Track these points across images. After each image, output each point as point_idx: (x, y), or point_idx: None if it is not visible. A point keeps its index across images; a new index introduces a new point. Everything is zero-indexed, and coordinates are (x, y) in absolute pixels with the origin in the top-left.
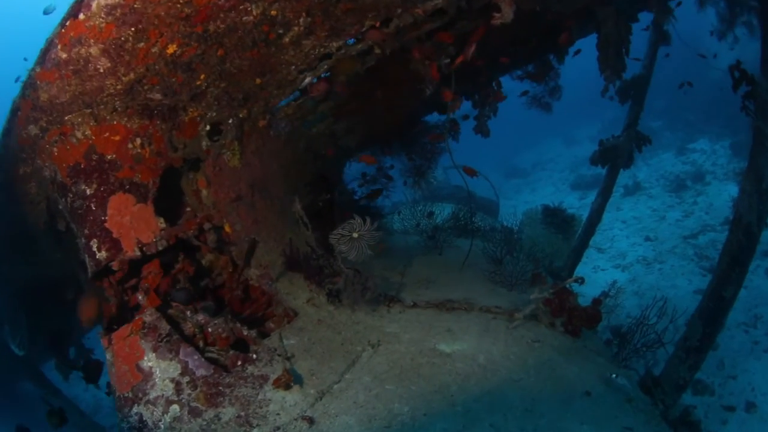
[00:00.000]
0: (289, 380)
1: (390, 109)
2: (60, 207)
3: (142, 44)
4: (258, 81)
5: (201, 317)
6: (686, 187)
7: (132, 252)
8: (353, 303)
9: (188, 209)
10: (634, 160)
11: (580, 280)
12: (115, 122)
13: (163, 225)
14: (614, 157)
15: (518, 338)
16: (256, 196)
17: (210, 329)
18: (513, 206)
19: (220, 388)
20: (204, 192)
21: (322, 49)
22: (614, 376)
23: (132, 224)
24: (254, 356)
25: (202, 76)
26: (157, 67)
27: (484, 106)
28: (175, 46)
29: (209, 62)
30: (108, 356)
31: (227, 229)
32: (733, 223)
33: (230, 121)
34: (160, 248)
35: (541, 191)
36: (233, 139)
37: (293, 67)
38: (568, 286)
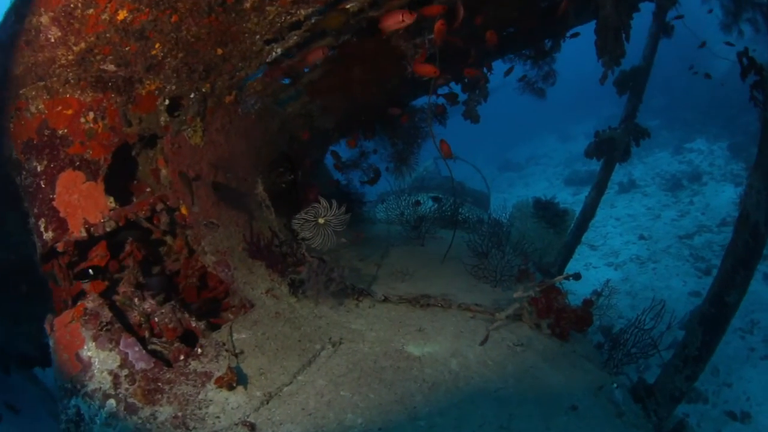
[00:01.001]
0: (233, 379)
1: (369, 87)
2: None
3: (91, 11)
4: (219, 51)
5: (148, 305)
6: (682, 187)
7: (78, 233)
8: (317, 295)
9: (148, 190)
10: (631, 154)
11: (575, 277)
12: (68, 95)
13: (113, 205)
14: (610, 149)
15: (498, 341)
16: (220, 176)
17: (156, 319)
18: (505, 199)
19: (160, 384)
20: (163, 171)
21: (288, 17)
22: (615, 386)
23: (80, 203)
24: (199, 350)
25: (157, 45)
26: (108, 35)
27: (473, 90)
28: (125, 11)
29: (163, 29)
30: (51, 343)
31: (183, 210)
32: (738, 222)
33: (192, 96)
34: (108, 229)
35: (535, 186)
36: (195, 115)
37: (257, 36)
38: (557, 284)
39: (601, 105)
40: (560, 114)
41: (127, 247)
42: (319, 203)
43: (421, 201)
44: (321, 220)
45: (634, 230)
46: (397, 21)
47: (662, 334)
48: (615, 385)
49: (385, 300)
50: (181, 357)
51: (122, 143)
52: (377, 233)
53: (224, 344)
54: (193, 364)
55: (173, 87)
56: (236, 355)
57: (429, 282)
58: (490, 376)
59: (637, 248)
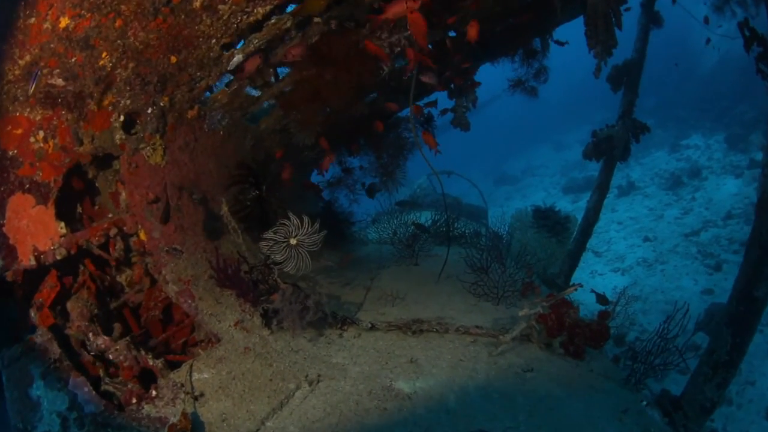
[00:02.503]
0: (186, 428)
1: (345, 95)
2: None
3: (33, 20)
4: (173, 59)
5: (101, 341)
6: (683, 184)
7: (27, 261)
8: (293, 326)
9: (110, 216)
10: (631, 152)
11: (578, 287)
12: (17, 113)
13: (64, 231)
14: (609, 148)
15: (504, 368)
16: (184, 198)
17: (111, 356)
18: (503, 213)
19: (109, 430)
20: (123, 195)
21: (245, 17)
22: (644, 403)
23: (29, 229)
24: (154, 393)
25: (104, 55)
26: (52, 45)
27: (461, 96)
28: (67, 18)
29: (108, 36)
30: (3, 378)
31: (142, 236)
32: (758, 208)
33: (149, 111)
34: (59, 257)
35: (532, 197)
36: (153, 132)
37: (213, 40)
38: (567, 297)
39: (594, 111)
40: (553, 123)
41: (81, 277)
42: (289, 220)
43: (416, 219)
44: (293, 241)
45: (638, 233)
46: (402, 8)
47: (688, 340)
48: (644, 402)
49: (372, 328)
50: (134, 400)
51: (74, 164)
52: (368, 254)
53: (183, 385)
54: (147, 409)
55: (128, 102)
56: (196, 398)
57: (423, 305)
58: (496, 412)
59: (643, 251)
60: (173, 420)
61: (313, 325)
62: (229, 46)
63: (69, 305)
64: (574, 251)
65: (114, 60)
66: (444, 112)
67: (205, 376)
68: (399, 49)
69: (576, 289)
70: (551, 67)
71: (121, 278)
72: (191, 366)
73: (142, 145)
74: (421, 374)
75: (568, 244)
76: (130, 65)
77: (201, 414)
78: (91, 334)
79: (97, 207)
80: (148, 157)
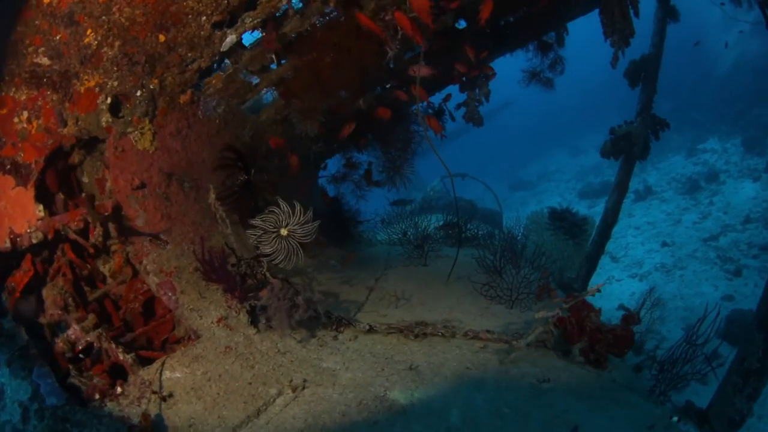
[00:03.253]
0: (147, 431)
1: (349, 82)
2: None
3: None
4: (161, 38)
5: (72, 331)
6: (700, 188)
7: (2, 243)
8: (282, 325)
9: (97, 203)
10: (650, 150)
11: (600, 287)
12: (2, 93)
13: (42, 214)
14: (629, 146)
15: (518, 378)
16: (174, 186)
17: (81, 347)
18: (518, 215)
19: (68, 425)
20: (108, 180)
21: None
22: (675, 419)
23: (7, 210)
24: (119, 390)
25: (89, 32)
26: (36, 22)
27: (473, 89)
28: None
29: (93, 12)
30: None
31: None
32: None
33: (138, 94)
34: (35, 241)
35: (548, 202)
36: (142, 115)
37: (203, 18)
38: (587, 299)
39: (610, 116)
40: (568, 128)
41: (56, 263)
42: (279, 208)
43: (428, 222)
44: (283, 231)
45: (656, 238)
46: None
47: (717, 347)
48: (675, 418)
49: (371, 330)
50: (97, 396)
51: (57, 146)
52: (375, 254)
53: (152, 384)
54: (109, 406)
55: (115, 83)
56: (164, 399)
57: (429, 307)
58: (507, 430)
59: (661, 256)
60: (136, 421)
61: (304, 325)
62: (221, 25)
63: (44, 292)
64: (592, 254)
65: (99, 38)
66: (458, 106)
67: (178, 375)
68: (402, 31)
69: (599, 290)
70: (566, 71)
71: (105, 268)
72: (163, 363)
73: (129, 129)
74: (421, 383)
75: (586, 246)
76: (117, 43)
77: (167, 417)
78: (63, 323)
79: (84, 195)
80: (135, 141)
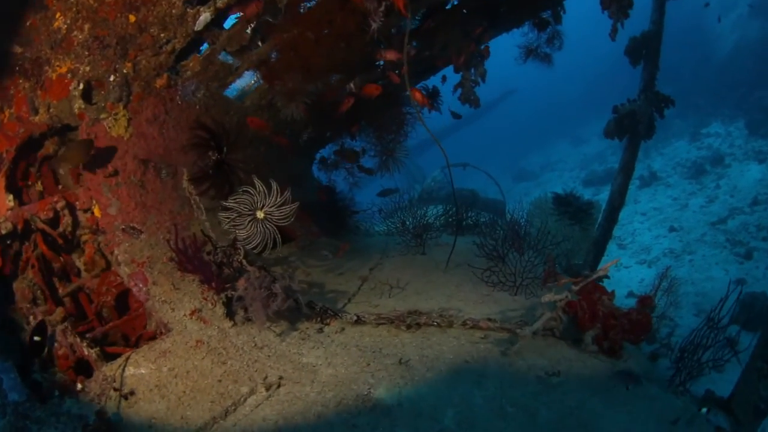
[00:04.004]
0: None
1: (334, 60)
2: None
3: None
4: (131, 18)
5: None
6: (705, 172)
7: None
8: (256, 317)
9: None
10: (655, 129)
11: (616, 263)
12: None
13: (12, 204)
14: (633, 124)
15: (523, 372)
16: (150, 174)
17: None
18: (521, 201)
19: (28, 422)
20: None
21: None
22: (704, 411)
23: None
24: (79, 386)
25: (59, 15)
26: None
27: (468, 69)
28: None
29: None
30: None
31: (96, 212)
32: None
33: (111, 79)
34: (4, 232)
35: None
36: (116, 101)
37: None
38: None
39: (611, 104)
40: (569, 118)
41: (24, 255)
42: (254, 188)
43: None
44: (259, 214)
45: (663, 223)
46: None
47: (738, 332)
48: (705, 409)
49: (358, 321)
50: (56, 393)
51: (29, 135)
52: (372, 245)
53: (115, 380)
54: (68, 404)
55: (87, 68)
56: (125, 397)
57: (426, 295)
58: None
59: (669, 241)
60: (93, 420)
61: (285, 317)
62: (193, 2)
63: (15, 285)
64: (600, 239)
65: (69, 21)
66: (455, 88)
67: (142, 371)
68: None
69: (613, 266)
70: (566, 61)
71: (80, 262)
72: (127, 359)
73: (103, 115)
74: (412, 380)
75: (593, 231)
76: (86, 26)
77: (126, 416)
78: (31, 317)
79: (61, 187)
80: (109, 128)
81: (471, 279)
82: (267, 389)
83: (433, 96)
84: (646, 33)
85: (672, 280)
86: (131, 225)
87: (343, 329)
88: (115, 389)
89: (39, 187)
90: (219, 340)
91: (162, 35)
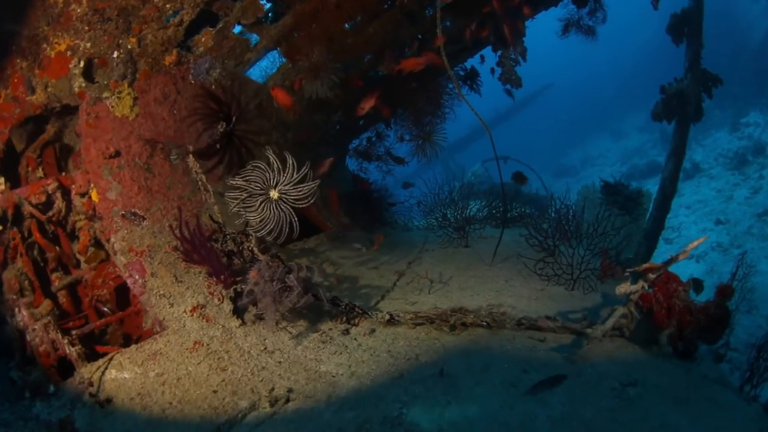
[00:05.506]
0: None
1: (360, 29)
2: None
3: None
4: None
5: (21, 317)
6: (748, 162)
7: None
8: (266, 314)
9: None
10: (704, 112)
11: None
12: None
13: (2, 187)
14: (682, 105)
15: (594, 384)
16: (158, 157)
17: (29, 336)
18: (567, 189)
19: None
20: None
21: None
22: None
23: None
24: (52, 389)
25: None
26: None
27: (506, 47)
28: None
29: None
30: None
31: (94, 196)
32: None
33: (114, 55)
34: None
35: None
36: (120, 78)
37: None
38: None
39: (649, 96)
40: (609, 111)
41: (12, 242)
42: (266, 162)
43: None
44: (273, 193)
45: (709, 216)
46: None
47: None
48: None
49: (391, 321)
50: (27, 395)
51: (26, 116)
52: (410, 238)
53: (92, 384)
54: (38, 407)
55: (87, 44)
56: (101, 405)
57: (470, 291)
58: None
59: (716, 235)
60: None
61: (303, 316)
62: None
63: (3, 275)
64: (651, 230)
65: None
66: (492, 70)
67: (125, 375)
68: None
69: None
70: (602, 55)
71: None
72: (110, 360)
73: (105, 94)
74: (456, 397)
75: (644, 222)
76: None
77: (96, 428)
78: (17, 309)
79: (64, 174)
80: (112, 107)
81: (521, 273)
82: (272, 404)
83: (471, 77)
84: (687, 9)
85: (749, 267)
86: (132, 210)
87: (373, 331)
88: (92, 395)
89: (40, 173)
90: (222, 341)
91: (168, 6)
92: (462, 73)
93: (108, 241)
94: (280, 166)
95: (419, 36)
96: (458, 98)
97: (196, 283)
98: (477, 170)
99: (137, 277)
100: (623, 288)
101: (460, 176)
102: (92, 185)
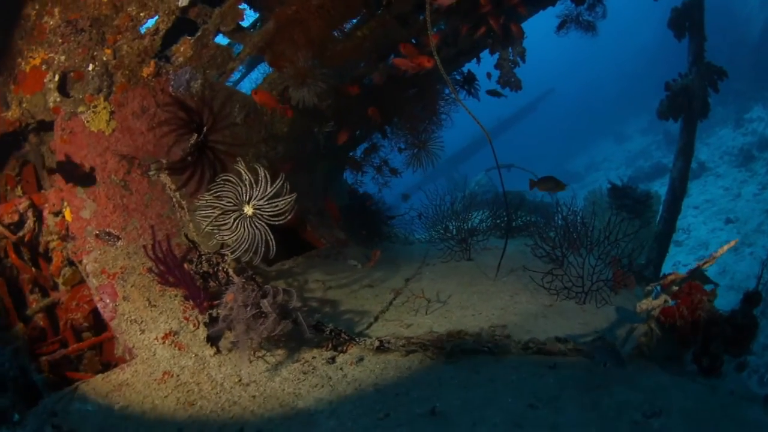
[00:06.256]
0: None
1: (340, 23)
2: None
3: None
4: None
5: None
6: (754, 158)
7: None
8: (239, 343)
9: None
10: (710, 108)
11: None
12: None
13: None
14: (688, 101)
15: (613, 415)
16: (134, 173)
17: None
18: (573, 194)
19: None
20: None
21: None
22: None
23: None
24: (17, 417)
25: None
26: None
27: (505, 48)
28: None
29: None
30: None
31: (67, 215)
32: None
33: (89, 68)
34: None
35: None
36: (95, 92)
37: None
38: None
39: (651, 98)
40: (611, 116)
41: None
42: (237, 176)
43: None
44: (248, 210)
45: (718, 215)
46: None
47: None
48: None
49: (381, 348)
50: None
51: (1, 133)
52: (411, 253)
53: (56, 415)
54: None
55: (62, 57)
56: None
57: (472, 309)
58: None
59: (727, 234)
60: None
61: (284, 342)
62: None
63: None
64: (662, 233)
65: (37, 6)
66: (489, 75)
67: (89, 408)
68: None
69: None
70: (602, 60)
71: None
72: (75, 389)
73: (81, 109)
74: None
75: (654, 225)
76: (56, 10)
77: None
78: None
79: (41, 192)
80: (88, 122)
81: (527, 287)
82: None
83: (468, 81)
84: (688, 2)
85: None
86: (107, 230)
87: (361, 359)
88: (54, 426)
89: (19, 191)
90: (193, 372)
91: (142, 14)
92: (459, 78)
93: (81, 262)
94: (252, 180)
95: (413, 40)
96: (456, 104)
97: (171, 308)
98: (480, 180)
99: (108, 301)
100: (645, 304)
101: (463, 186)
102: (66, 204)
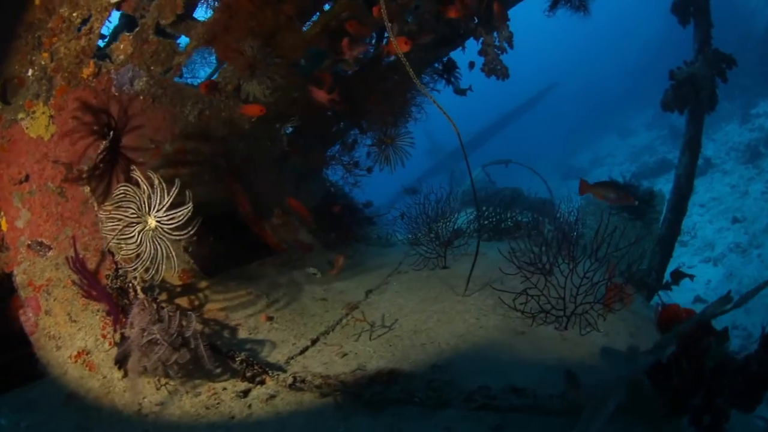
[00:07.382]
0: None
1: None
2: None
3: None
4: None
5: None
6: (761, 155)
7: None
8: (131, 371)
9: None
10: (718, 99)
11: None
12: None
13: None
14: (694, 92)
15: None
16: (71, 180)
17: None
18: (569, 192)
19: None
20: None
21: None
22: None
23: None
24: None
25: None
26: None
27: (489, 32)
28: None
29: None
30: None
31: (3, 225)
32: None
33: (29, 74)
34: None
35: None
36: (34, 97)
37: None
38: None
39: (656, 92)
40: (615, 110)
41: None
42: (138, 186)
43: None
44: (150, 221)
45: (725, 214)
46: None
47: None
48: None
49: (294, 385)
50: None
51: None
52: (386, 257)
53: None
54: None
55: (3, 65)
56: None
57: (426, 335)
58: None
59: (734, 234)
60: None
61: (195, 370)
62: None
63: None
64: (666, 236)
65: None
66: (471, 65)
67: (2, 422)
68: None
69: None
70: (605, 55)
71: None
72: None
73: (20, 115)
74: None
75: (658, 227)
76: None
77: None
78: None
79: None
80: (27, 128)
81: (499, 306)
82: None
83: (448, 69)
84: None
85: None
86: (39, 240)
87: (273, 396)
88: None
89: None
90: (97, 396)
91: (74, 14)
92: (438, 66)
93: (11, 274)
94: (148, 188)
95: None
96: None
97: (91, 323)
98: (477, 175)
99: (30, 315)
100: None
101: (461, 182)
102: (2, 213)
